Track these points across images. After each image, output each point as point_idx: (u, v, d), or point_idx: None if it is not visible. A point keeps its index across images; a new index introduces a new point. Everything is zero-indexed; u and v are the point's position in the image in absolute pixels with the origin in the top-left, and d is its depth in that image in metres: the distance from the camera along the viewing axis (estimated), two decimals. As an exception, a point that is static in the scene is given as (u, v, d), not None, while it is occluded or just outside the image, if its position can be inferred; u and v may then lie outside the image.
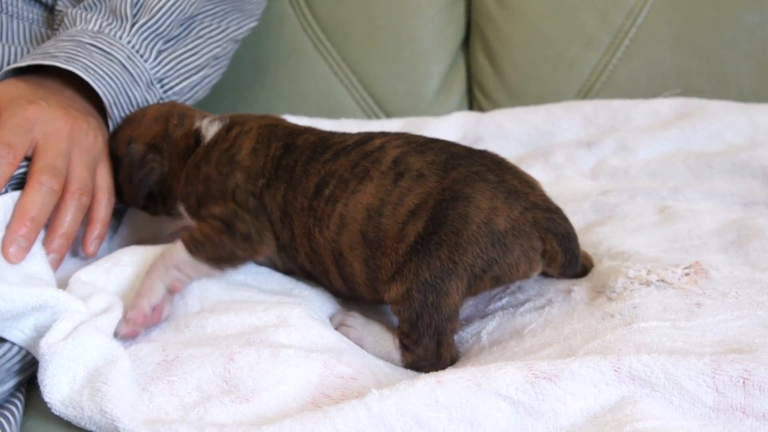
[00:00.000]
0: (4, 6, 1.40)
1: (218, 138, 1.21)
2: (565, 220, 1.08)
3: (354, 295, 1.15)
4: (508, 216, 1.03)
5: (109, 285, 1.12)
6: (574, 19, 1.70)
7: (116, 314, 1.05)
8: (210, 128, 1.23)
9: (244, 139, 1.19)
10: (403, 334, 1.06)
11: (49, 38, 1.44)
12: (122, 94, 1.28)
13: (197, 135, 1.23)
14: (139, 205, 1.27)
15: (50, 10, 1.47)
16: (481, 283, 1.04)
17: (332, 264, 1.11)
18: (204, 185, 1.17)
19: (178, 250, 1.13)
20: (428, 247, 1.02)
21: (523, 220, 1.04)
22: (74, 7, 1.39)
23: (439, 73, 1.78)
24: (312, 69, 1.79)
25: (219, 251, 1.13)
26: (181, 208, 1.23)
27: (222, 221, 1.14)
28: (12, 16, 1.42)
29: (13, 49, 1.36)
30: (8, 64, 1.34)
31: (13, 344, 1.00)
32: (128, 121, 1.27)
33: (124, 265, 1.15)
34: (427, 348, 1.04)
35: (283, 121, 1.25)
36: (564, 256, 1.07)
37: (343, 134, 1.18)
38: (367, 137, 1.15)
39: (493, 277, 1.05)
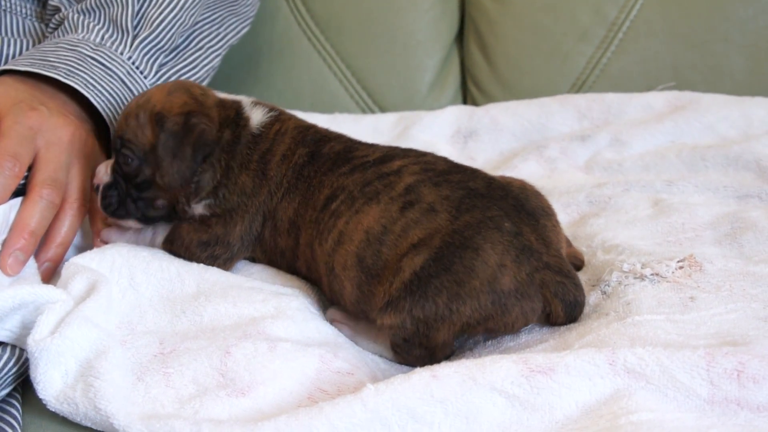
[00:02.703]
0: (-4, 1, 1.40)
1: (264, 131, 1.18)
2: (576, 286, 1.02)
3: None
4: (515, 276, 0.98)
5: (103, 262, 1.12)
6: (568, 13, 1.70)
7: (103, 294, 1.04)
8: (254, 112, 1.20)
9: (280, 142, 1.18)
10: (395, 345, 1.04)
11: (42, 33, 1.43)
12: (121, 110, 1.28)
13: (238, 109, 1.19)
14: (184, 190, 1.16)
15: (43, 5, 1.47)
16: (474, 330, 1.01)
17: (325, 276, 1.10)
18: (238, 198, 1.16)
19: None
20: (426, 291, 0.98)
21: (530, 283, 0.99)
22: (72, 7, 1.38)
23: (433, 66, 1.78)
24: (306, 63, 1.79)
25: (184, 253, 1.18)
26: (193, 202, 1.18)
27: (208, 244, 1.16)
28: (5, 10, 1.41)
29: (5, 41, 1.35)
30: (2, 55, 1.34)
31: (11, 352, 0.99)
32: (137, 107, 1.16)
33: (118, 246, 1.16)
34: (420, 357, 1.02)
35: (314, 125, 1.23)
36: (566, 320, 1.03)
37: (369, 146, 1.16)
38: (388, 155, 1.11)
39: (487, 329, 1.01)
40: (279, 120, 1.20)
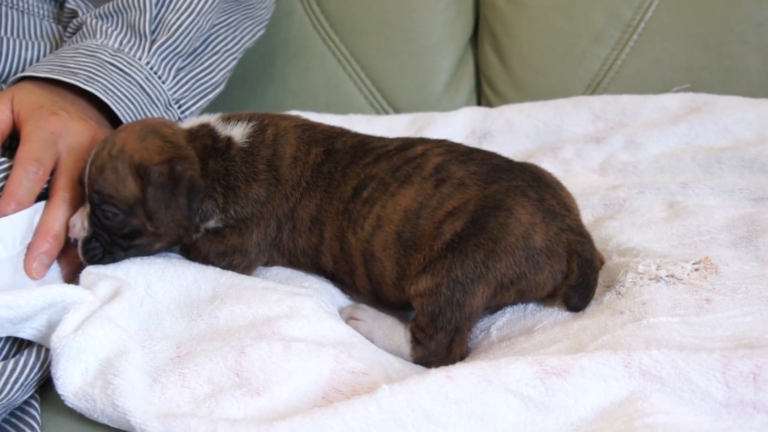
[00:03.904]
0: (14, 2, 1.41)
1: (255, 141, 1.17)
2: (593, 248, 1.09)
3: (376, 295, 1.16)
4: (545, 234, 1.05)
5: (118, 270, 1.13)
6: (583, 14, 1.70)
7: (127, 297, 1.05)
8: (231, 129, 1.18)
9: (284, 145, 1.18)
10: (417, 328, 1.06)
11: (59, 34, 1.44)
12: (141, 116, 1.29)
13: (212, 134, 1.18)
14: (185, 230, 1.14)
15: (60, 6, 1.48)
16: (506, 294, 1.06)
17: (361, 265, 1.13)
18: (251, 207, 1.16)
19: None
20: (465, 248, 1.03)
21: (558, 241, 1.05)
22: (90, 11, 1.39)
23: (447, 68, 1.78)
24: (320, 64, 1.79)
25: (202, 262, 1.18)
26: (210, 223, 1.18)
27: (225, 254, 1.17)
28: (23, 12, 1.42)
29: (24, 44, 1.36)
30: (20, 58, 1.35)
31: (36, 357, 1.00)
32: (110, 158, 1.11)
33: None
34: (440, 343, 1.05)
35: (314, 122, 1.24)
36: (577, 278, 1.06)
37: (382, 138, 1.19)
38: (408, 143, 1.16)
39: (519, 291, 1.06)
40: (266, 124, 1.19)
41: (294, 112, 1.38)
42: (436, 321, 1.04)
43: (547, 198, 1.07)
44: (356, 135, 1.21)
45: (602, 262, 1.18)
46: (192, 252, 1.19)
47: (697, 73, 1.66)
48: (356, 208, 1.12)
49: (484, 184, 1.08)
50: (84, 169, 1.13)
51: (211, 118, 1.21)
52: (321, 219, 1.15)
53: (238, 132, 1.19)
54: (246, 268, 1.19)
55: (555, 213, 1.06)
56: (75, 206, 1.14)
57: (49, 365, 0.99)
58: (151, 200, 1.09)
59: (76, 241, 1.13)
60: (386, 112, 1.79)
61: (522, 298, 1.09)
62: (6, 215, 1.07)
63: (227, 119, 1.21)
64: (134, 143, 1.12)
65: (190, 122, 1.21)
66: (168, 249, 1.19)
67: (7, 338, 1.04)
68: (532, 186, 1.08)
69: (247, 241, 1.17)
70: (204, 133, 1.18)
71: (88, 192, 1.12)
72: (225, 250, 1.17)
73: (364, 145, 1.17)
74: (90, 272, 1.11)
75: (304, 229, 1.16)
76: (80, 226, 1.12)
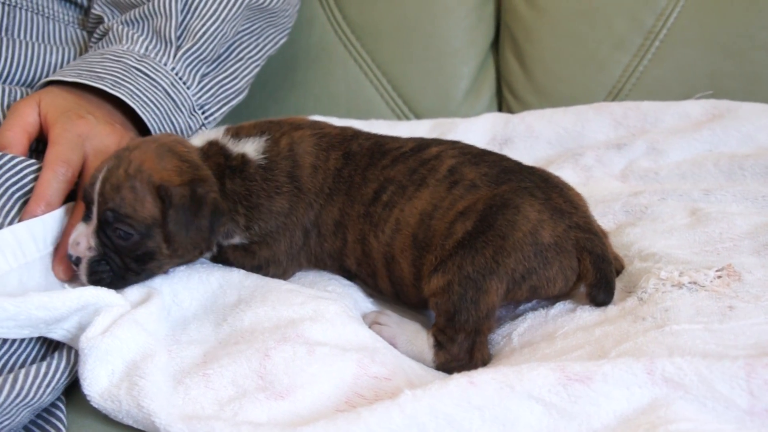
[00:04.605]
0: (40, 8, 1.43)
1: (272, 155, 1.17)
2: (602, 243, 1.10)
3: (398, 297, 1.17)
4: (553, 231, 1.06)
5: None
6: (605, 21, 1.70)
7: (156, 303, 1.06)
8: (244, 146, 1.17)
9: (303, 155, 1.18)
10: (439, 331, 1.07)
11: (84, 40, 1.46)
12: (166, 121, 1.31)
13: (223, 152, 1.17)
14: (200, 251, 1.14)
15: (85, 12, 1.49)
16: (519, 291, 1.07)
17: (383, 267, 1.14)
18: (275, 220, 1.17)
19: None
20: (474, 244, 1.04)
21: (566, 238, 1.07)
22: (116, 17, 1.41)
23: (468, 73, 1.78)
24: (342, 69, 1.80)
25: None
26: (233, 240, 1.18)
27: (260, 267, 1.19)
28: (48, 17, 1.44)
29: (49, 49, 1.38)
30: (45, 63, 1.37)
31: (66, 360, 1.01)
32: (126, 177, 1.08)
33: None
34: (462, 346, 1.06)
35: (325, 124, 1.24)
36: (594, 276, 1.08)
37: (397, 139, 1.21)
38: (423, 144, 1.18)
39: (531, 287, 1.07)
40: (279, 136, 1.19)
41: (317, 117, 1.38)
42: (453, 320, 1.05)
43: (554, 197, 1.10)
44: (370, 136, 1.22)
45: (622, 267, 1.18)
46: (224, 264, 1.20)
47: (720, 79, 1.65)
48: (377, 211, 1.13)
49: (494, 185, 1.10)
50: (93, 185, 1.09)
51: (218, 134, 1.19)
52: (344, 223, 1.16)
53: (251, 148, 1.17)
54: (282, 275, 1.20)
55: (562, 211, 1.08)
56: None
57: (75, 369, 1.00)
58: (172, 223, 1.07)
59: (78, 259, 1.09)
60: (407, 118, 1.79)
61: (535, 294, 1.09)
62: (36, 216, 1.09)
63: (235, 134, 1.19)
64: (152, 162, 1.09)
65: (199, 139, 1.19)
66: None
67: (37, 340, 1.05)
68: (540, 187, 1.10)
69: (277, 251, 1.18)
70: (215, 151, 1.17)
71: (98, 209, 1.08)
72: (259, 263, 1.19)
73: (380, 146, 1.19)
74: None
75: (329, 234, 1.17)
76: (85, 245, 1.08)
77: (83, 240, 1.09)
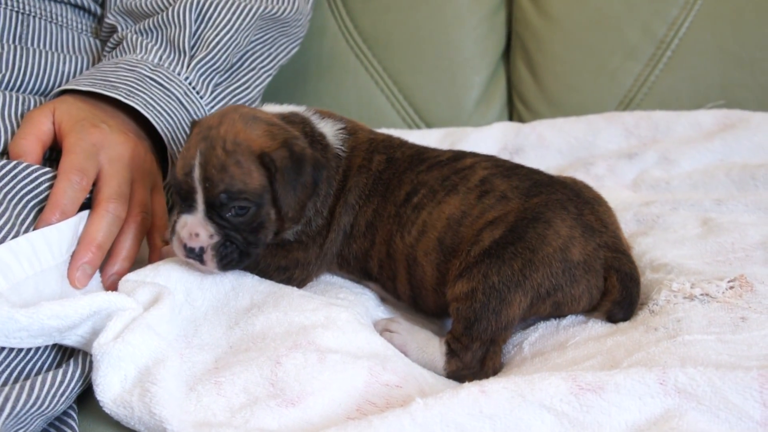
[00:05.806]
0: (53, 16, 1.43)
1: (350, 147, 1.19)
2: (631, 262, 1.10)
3: (415, 302, 1.17)
4: (583, 249, 1.06)
5: (158, 278, 1.13)
6: (616, 30, 1.70)
7: (166, 304, 1.06)
8: (324, 126, 1.19)
9: (356, 156, 1.20)
10: (453, 338, 1.07)
11: (97, 49, 1.47)
12: (179, 130, 1.31)
13: (304, 123, 1.18)
14: (305, 208, 1.14)
15: (98, 21, 1.50)
16: (542, 306, 1.07)
17: (404, 269, 1.15)
18: (323, 220, 1.18)
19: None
20: (502, 255, 1.04)
21: (595, 257, 1.07)
22: (129, 27, 1.42)
23: (479, 83, 1.79)
24: (353, 79, 1.81)
25: (257, 274, 1.17)
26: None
27: (287, 269, 1.18)
28: (61, 26, 1.45)
29: (63, 57, 1.39)
30: (59, 72, 1.37)
31: (81, 368, 1.02)
32: (226, 155, 1.08)
33: (171, 263, 1.16)
34: (475, 355, 1.06)
35: (379, 133, 1.26)
36: (620, 293, 1.08)
37: (437, 150, 1.22)
38: (459, 155, 1.20)
39: (555, 303, 1.07)
40: (349, 135, 1.21)
41: None
42: (472, 329, 1.05)
43: (585, 213, 1.10)
44: (413, 145, 1.24)
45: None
46: (249, 264, 1.17)
47: (731, 89, 1.65)
48: (406, 212, 1.15)
49: (525, 197, 1.10)
50: (190, 174, 1.08)
51: (296, 108, 1.21)
52: (375, 224, 1.17)
53: (330, 132, 1.19)
54: (302, 282, 1.20)
55: (593, 229, 1.08)
56: (120, 217, 1.15)
57: (88, 376, 1.00)
58: (281, 186, 1.08)
59: (201, 250, 1.09)
60: (418, 127, 1.80)
61: (558, 311, 1.09)
62: (51, 224, 1.09)
63: (323, 115, 1.21)
64: (245, 133, 1.09)
65: (275, 108, 1.20)
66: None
67: (51, 348, 1.05)
68: (572, 200, 1.10)
69: (310, 255, 1.18)
70: (299, 120, 1.18)
71: (206, 195, 1.08)
72: (287, 264, 1.18)
73: (420, 154, 1.21)
74: (129, 279, 1.12)
75: (360, 234, 1.18)
76: (205, 233, 1.09)
77: (201, 230, 1.09)
